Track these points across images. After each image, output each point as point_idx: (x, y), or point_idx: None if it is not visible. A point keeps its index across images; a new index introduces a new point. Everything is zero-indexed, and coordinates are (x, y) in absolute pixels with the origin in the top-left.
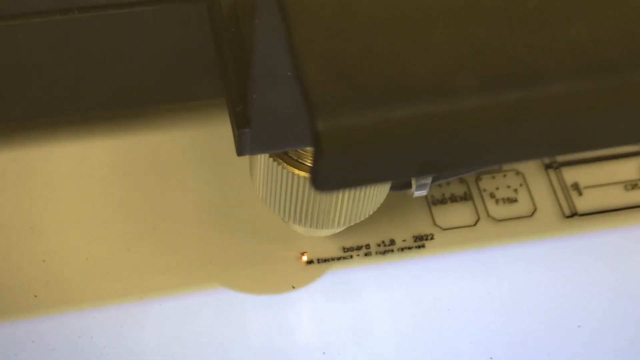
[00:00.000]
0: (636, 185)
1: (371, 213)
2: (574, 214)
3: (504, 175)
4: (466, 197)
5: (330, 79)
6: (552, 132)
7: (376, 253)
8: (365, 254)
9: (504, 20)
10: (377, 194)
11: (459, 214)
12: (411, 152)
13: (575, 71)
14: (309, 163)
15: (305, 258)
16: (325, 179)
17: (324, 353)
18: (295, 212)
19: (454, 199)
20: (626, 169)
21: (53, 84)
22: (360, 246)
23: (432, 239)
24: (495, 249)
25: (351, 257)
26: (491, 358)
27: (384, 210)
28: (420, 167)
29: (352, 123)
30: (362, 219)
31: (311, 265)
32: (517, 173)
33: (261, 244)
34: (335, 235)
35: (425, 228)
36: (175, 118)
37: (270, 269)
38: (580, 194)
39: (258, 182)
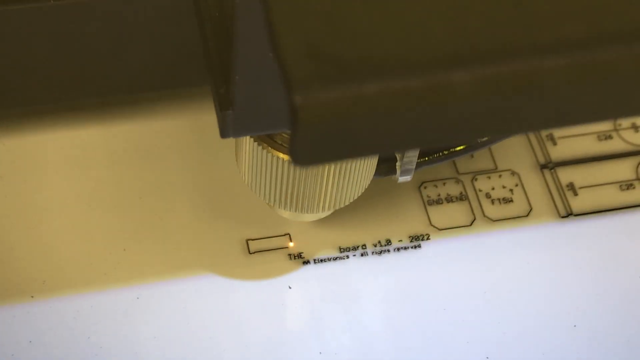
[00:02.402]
0: (631, 185)
1: (356, 197)
2: (569, 214)
3: (500, 176)
4: (462, 197)
5: (307, 55)
6: (529, 110)
7: (372, 253)
8: (362, 254)
9: None
10: (361, 178)
11: (455, 214)
12: (386, 127)
13: (551, 46)
14: None
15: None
16: (304, 154)
17: (320, 353)
18: (280, 196)
19: (449, 199)
20: (621, 169)
21: (45, 72)
22: (356, 246)
23: (428, 239)
24: (491, 249)
25: (347, 257)
26: (487, 357)
27: (381, 210)
28: (396, 142)
29: (327, 98)
30: (347, 203)
31: (308, 265)
32: (513, 173)
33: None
34: (331, 235)
35: (421, 228)
36: (164, 105)
37: (264, 260)
38: (575, 194)
39: (243, 167)
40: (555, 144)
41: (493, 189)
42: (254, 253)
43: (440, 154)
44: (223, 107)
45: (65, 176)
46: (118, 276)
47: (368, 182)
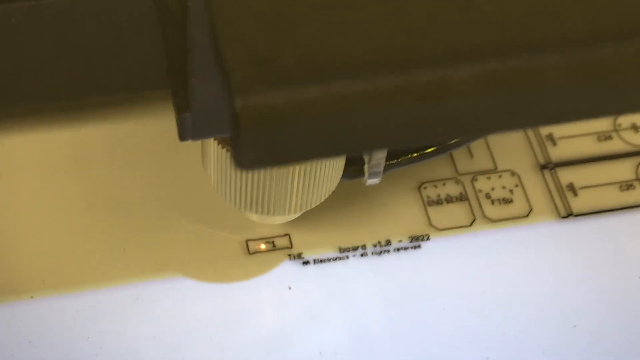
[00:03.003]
0: (631, 185)
1: (323, 200)
2: (569, 215)
3: (500, 176)
4: (462, 198)
5: (248, 59)
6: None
7: (372, 253)
8: (362, 255)
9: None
10: (328, 180)
11: (455, 214)
12: (329, 131)
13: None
14: None
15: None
16: (246, 157)
17: (320, 353)
18: (247, 199)
19: (449, 200)
20: (621, 170)
21: (43, 70)
22: (356, 247)
23: (428, 239)
24: (490, 249)
25: (347, 257)
26: (487, 358)
27: (380, 211)
28: (339, 146)
29: (268, 102)
30: (314, 205)
31: (308, 266)
32: (513, 174)
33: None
34: (331, 236)
35: (421, 228)
36: (166, 104)
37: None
38: (575, 194)
39: (210, 170)
40: (555, 144)
41: (493, 189)
42: (253, 253)
43: (410, 156)
44: (180, 109)
45: (65, 176)
46: (118, 276)
47: (335, 184)
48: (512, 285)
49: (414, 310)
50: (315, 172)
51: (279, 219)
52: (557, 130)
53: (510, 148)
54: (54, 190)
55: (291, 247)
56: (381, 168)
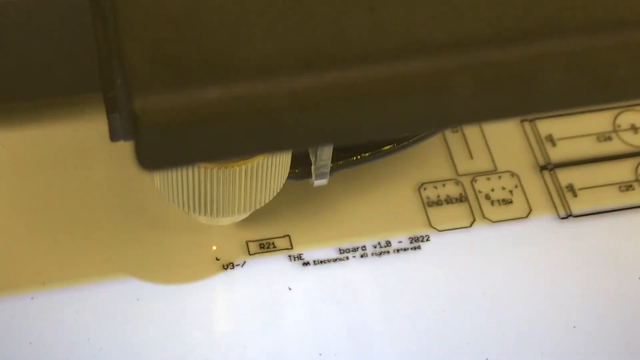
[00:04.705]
0: (631, 186)
1: (268, 201)
2: (568, 215)
3: (499, 177)
4: (461, 199)
5: (149, 59)
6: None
7: (372, 254)
8: (362, 255)
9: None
10: (274, 180)
11: (455, 215)
12: (232, 132)
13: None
14: None
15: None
16: (147, 158)
17: (320, 354)
18: (192, 202)
19: (449, 201)
20: (621, 170)
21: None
22: (356, 247)
23: (427, 240)
24: (490, 250)
25: (347, 258)
26: (487, 358)
27: (380, 212)
28: (241, 146)
29: (167, 102)
30: (260, 206)
31: (307, 267)
32: (512, 174)
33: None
34: (331, 237)
35: (421, 229)
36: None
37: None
38: (575, 195)
39: (155, 176)
40: (554, 145)
41: (493, 190)
42: (254, 254)
43: (357, 157)
44: (109, 109)
45: (65, 175)
46: (118, 277)
47: (282, 183)
48: (511, 286)
49: (414, 310)
50: (260, 173)
51: (227, 220)
52: (557, 131)
53: (509, 149)
54: (54, 190)
55: (291, 248)
56: (328, 169)
